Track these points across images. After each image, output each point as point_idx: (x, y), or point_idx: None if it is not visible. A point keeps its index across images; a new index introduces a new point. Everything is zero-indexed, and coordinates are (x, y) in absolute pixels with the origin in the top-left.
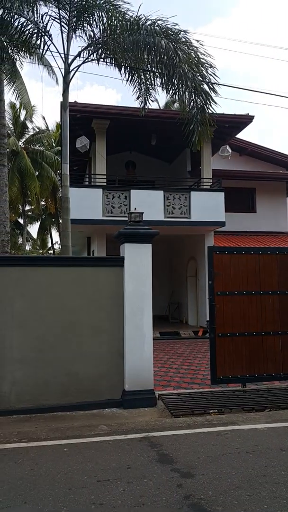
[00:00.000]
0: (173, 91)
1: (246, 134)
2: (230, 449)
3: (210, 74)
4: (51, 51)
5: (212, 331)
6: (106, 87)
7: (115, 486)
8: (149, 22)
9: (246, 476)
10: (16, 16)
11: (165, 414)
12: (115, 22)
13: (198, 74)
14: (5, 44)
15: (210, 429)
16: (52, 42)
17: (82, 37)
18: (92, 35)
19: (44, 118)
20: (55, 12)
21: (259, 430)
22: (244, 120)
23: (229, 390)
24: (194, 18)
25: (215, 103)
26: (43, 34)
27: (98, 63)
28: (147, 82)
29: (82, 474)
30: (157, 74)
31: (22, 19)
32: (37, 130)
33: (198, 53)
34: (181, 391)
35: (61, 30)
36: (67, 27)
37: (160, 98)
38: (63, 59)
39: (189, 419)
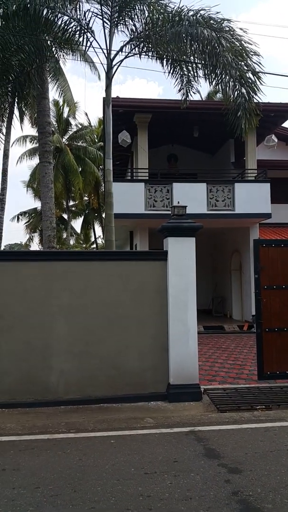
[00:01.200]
0: (217, 82)
1: None
2: (279, 445)
3: (255, 63)
4: (93, 47)
5: (259, 326)
6: (147, 80)
7: (162, 479)
8: (191, 13)
9: None
10: (59, 15)
11: (210, 409)
12: (157, 15)
13: (242, 63)
14: (49, 43)
15: (258, 425)
16: (95, 38)
17: (124, 31)
18: (134, 29)
19: (86, 114)
20: (97, 9)
21: None
22: None
23: (277, 386)
24: (236, 4)
25: (261, 91)
26: (85, 31)
27: (140, 57)
28: (189, 74)
29: (129, 466)
30: (199, 65)
31: (65, 17)
32: (80, 126)
33: (242, 41)
34: (227, 386)
35: (103, 26)
36: (109, 23)
37: (201, 89)
38: (106, 54)
39: (236, 414)
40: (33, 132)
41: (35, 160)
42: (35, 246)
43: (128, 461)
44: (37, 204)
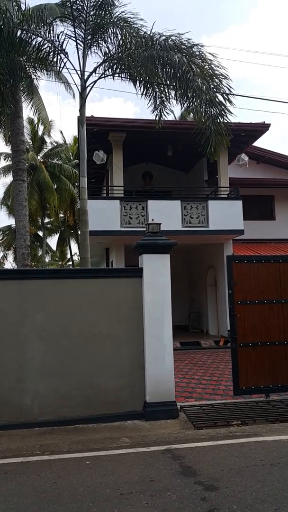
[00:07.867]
0: (188, 104)
1: (267, 142)
2: (254, 461)
3: (225, 85)
4: (67, 68)
5: (234, 341)
6: (124, 99)
7: (138, 499)
8: (163, 38)
9: (271, 489)
10: (33, 36)
11: (187, 426)
12: (130, 38)
13: (212, 86)
14: (22, 63)
15: (234, 441)
16: (68, 59)
17: (97, 53)
18: (107, 51)
19: (61, 132)
20: (70, 31)
21: (283, 441)
22: (260, 128)
23: (252, 401)
24: (210, 25)
25: (231, 113)
26: (59, 52)
27: (113, 78)
28: (162, 95)
29: (105, 487)
30: (171, 87)
31: (39, 39)
32: (55, 144)
33: (212, 65)
34: (203, 402)
35: (77, 47)
36: (82, 45)
37: (175, 109)
38: (79, 75)
39: (212, 430)
40: (7, 149)
41: (10, 178)
42: (9, 264)
43: (104, 482)
44: (12, 222)
